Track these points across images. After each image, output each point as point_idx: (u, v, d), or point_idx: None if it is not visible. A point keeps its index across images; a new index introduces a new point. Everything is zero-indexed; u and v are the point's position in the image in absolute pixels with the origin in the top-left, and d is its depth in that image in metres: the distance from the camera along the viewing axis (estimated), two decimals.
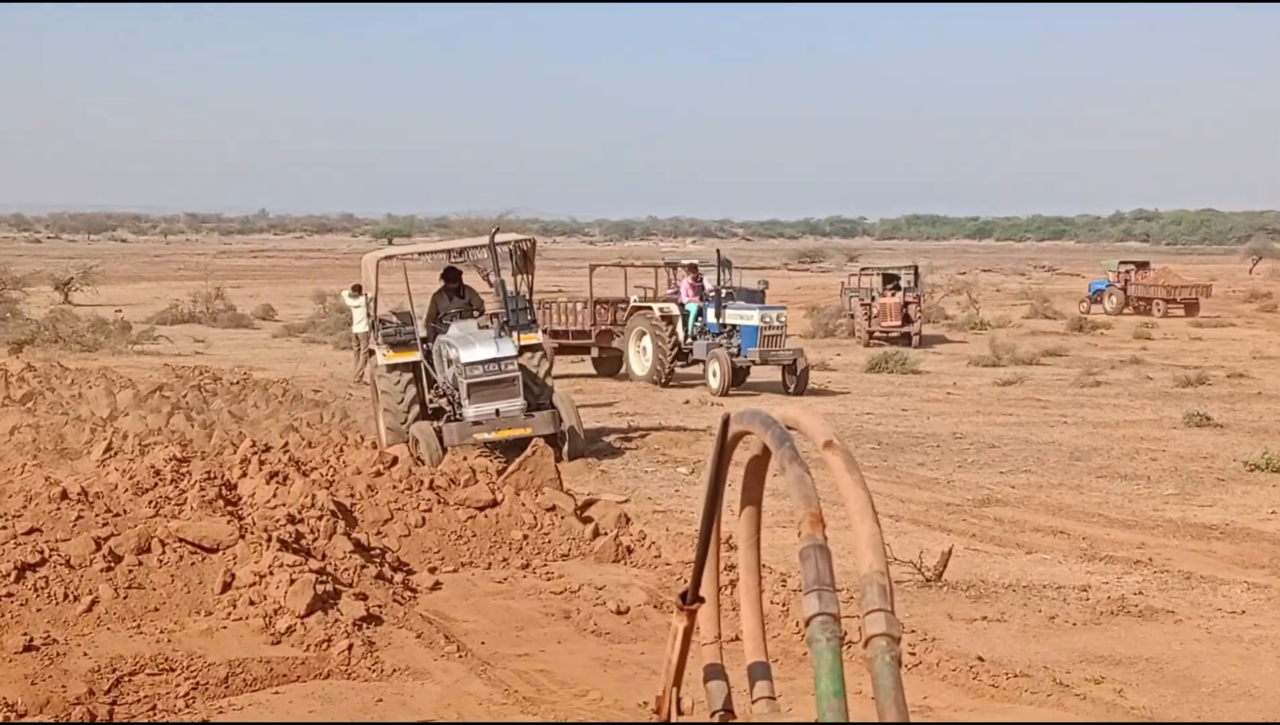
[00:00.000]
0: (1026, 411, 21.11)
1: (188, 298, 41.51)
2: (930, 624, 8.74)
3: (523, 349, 15.93)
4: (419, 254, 18.79)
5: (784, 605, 8.35)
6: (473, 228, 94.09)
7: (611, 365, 26.29)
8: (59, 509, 9.33)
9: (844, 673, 1.67)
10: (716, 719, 2.19)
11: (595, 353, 26.70)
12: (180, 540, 8.53)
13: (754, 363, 23.23)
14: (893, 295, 34.97)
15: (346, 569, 8.76)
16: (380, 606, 8.33)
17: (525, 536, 10.25)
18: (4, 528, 8.80)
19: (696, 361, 24.03)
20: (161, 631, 7.69)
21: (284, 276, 68.27)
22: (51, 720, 6.52)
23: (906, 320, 34.38)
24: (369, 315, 17.27)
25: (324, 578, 8.16)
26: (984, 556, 11.06)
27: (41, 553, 8.20)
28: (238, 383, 21.51)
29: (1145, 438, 18.08)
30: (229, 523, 8.82)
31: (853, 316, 36.23)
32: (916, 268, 37.74)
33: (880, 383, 25.30)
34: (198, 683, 7.08)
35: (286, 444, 13.17)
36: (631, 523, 10.83)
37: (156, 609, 8.03)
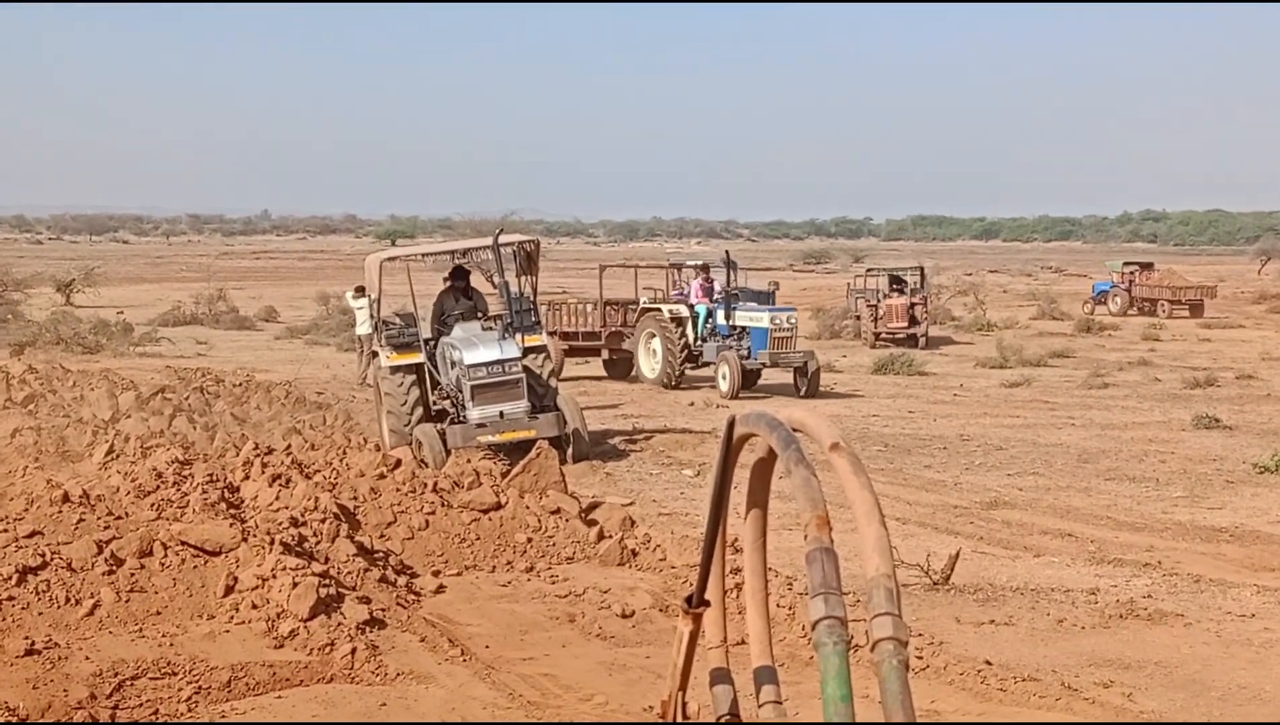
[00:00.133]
0: (1034, 413, 21.09)
1: (190, 299, 41.55)
2: (938, 627, 8.73)
3: (527, 351, 15.94)
4: (422, 255, 18.80)
5: (790, 609, 8.34)
6: (476, 228, 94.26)
7: (622, 367, 26.15)
8: (60, 512, 9.34)
9: (851, 677, 1.67)
10: (722, 723, 2.19)
11: (605, 355, 26.60)
12: (182, 543, 8.53)
13: (764, 365, 23.10)
14: (899, 296, 34.97)
15: (350, 572, 8.76)
16: (384, 610, 8.33)
17: (529, 539, 10.24)
18: (5, 531, 8.82)
19: (707, 363, 23.91)
20: (164, 635, 7.69)
21: (286, 278, 68.31)
22: (53, 724, 6.53)
23: (913, 321, 34.37)
24: (372, 317, 17.29)
25: (327, 581, 8.16)
26: (991, 559, 11.05)
27: (43, 556, 8.21)
28: (240, 385, 21.52)
29: (1154, 440, 18.06)
30: (231, 526, 8.83)
31: (859, 318, 36.23)
32: (923, 269, 37.73)
33: (886, 384, 25.29)
34: (200, 687, 7.08)
35: (289, 446, 13.18)
36: (636, 525, 10.83)
37: (159, 612, 8.04)
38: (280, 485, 10.69)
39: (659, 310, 24.70)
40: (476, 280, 17.47)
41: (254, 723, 6.73)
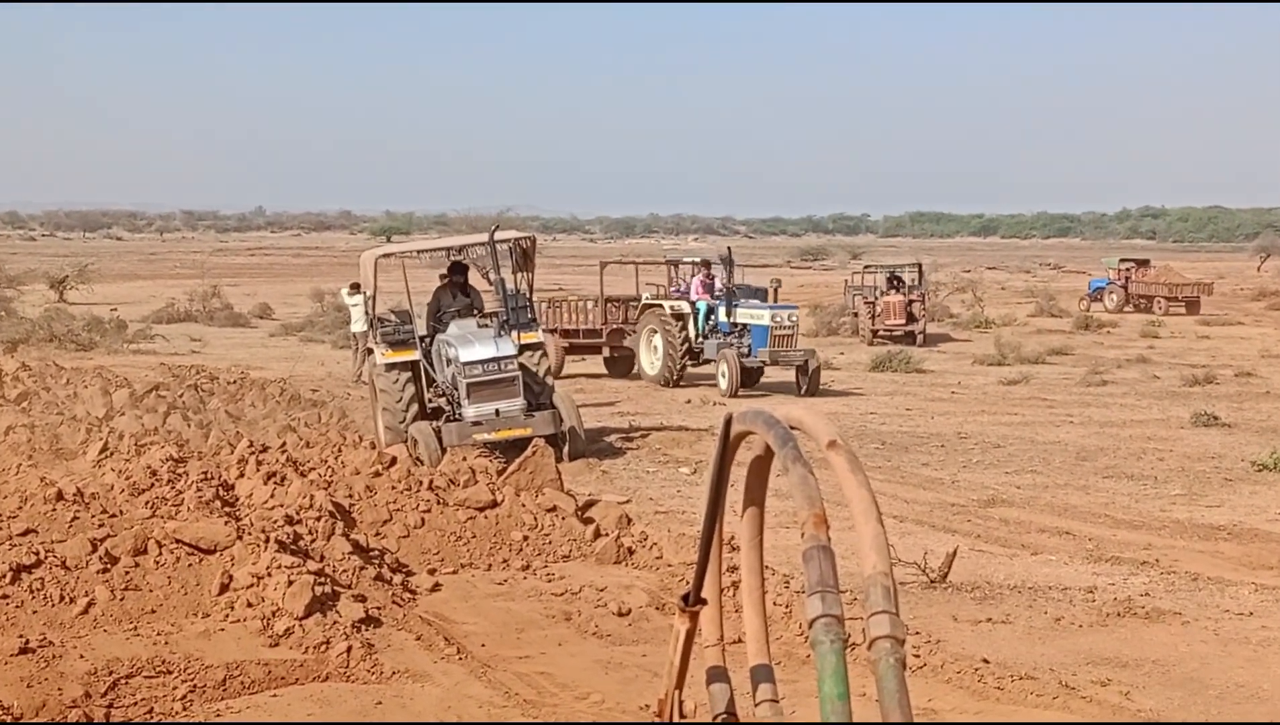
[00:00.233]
0: (1032, 411, 21.11)
1: (184, 296, 41.51)
2: (935, 626, 8.74)
3: (523, 348, 15.93)
4: (418, 252, 18.79)
5: (787, 607, 8.35)
6: (472, 225, 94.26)
7: (624, 365, 26.00)
8: (54, 510, 9.33)
9: (848, 675, 1.67)
10: (719, 722, 2.20)
11: (607, 352, 26.43)
12: (177, 541, 8.53)
13: (764, 363, 23.01)
14: (897, 293, 34.98)
15: (345, 570, 8.76)
16: (379, 608, 8.33)
17: (525, 538, 10.25)
18: None
19: (708, 361, 23.77)
20: (158, 634, 7.69)
21: (281, 275, 68.26)
22: (48, 723, 6.53)
23: (910, 319, 34.39)
24: (367, 314, 17.28)
25: (322, 579, 8.16)
26: (989, 557, 11.06)
27: (37, 554, 8.20)
28: (235, 382, 21.52)
29: (1152, 437, 18.08)
30: (226, 524, 8.83)
31: (856, 315, 36.24)
32: (920, 265, 37.74)
33: (884, 382, 25.30)
34: (195, 685, 7.09)
35: (284, 444, 13.18)
36: (633, 524, 10.83)
37: (153, 611, 8.04)
38: (275, 483, 10.69)
39: (660, 306, 24.55)
40: (473, 277, 17.47)
41: (249, 722, 6.74)
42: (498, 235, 16.49)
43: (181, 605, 8.12)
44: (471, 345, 15.50)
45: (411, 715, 6.80)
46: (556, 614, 8.69)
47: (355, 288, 23.69)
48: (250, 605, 7.93)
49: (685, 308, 24.25)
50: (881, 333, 34.38)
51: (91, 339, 29.87)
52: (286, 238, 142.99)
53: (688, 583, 2.23)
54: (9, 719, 6.43)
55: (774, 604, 8.26)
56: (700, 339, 24.07)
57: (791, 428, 1.90)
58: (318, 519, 9.42)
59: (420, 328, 16.46)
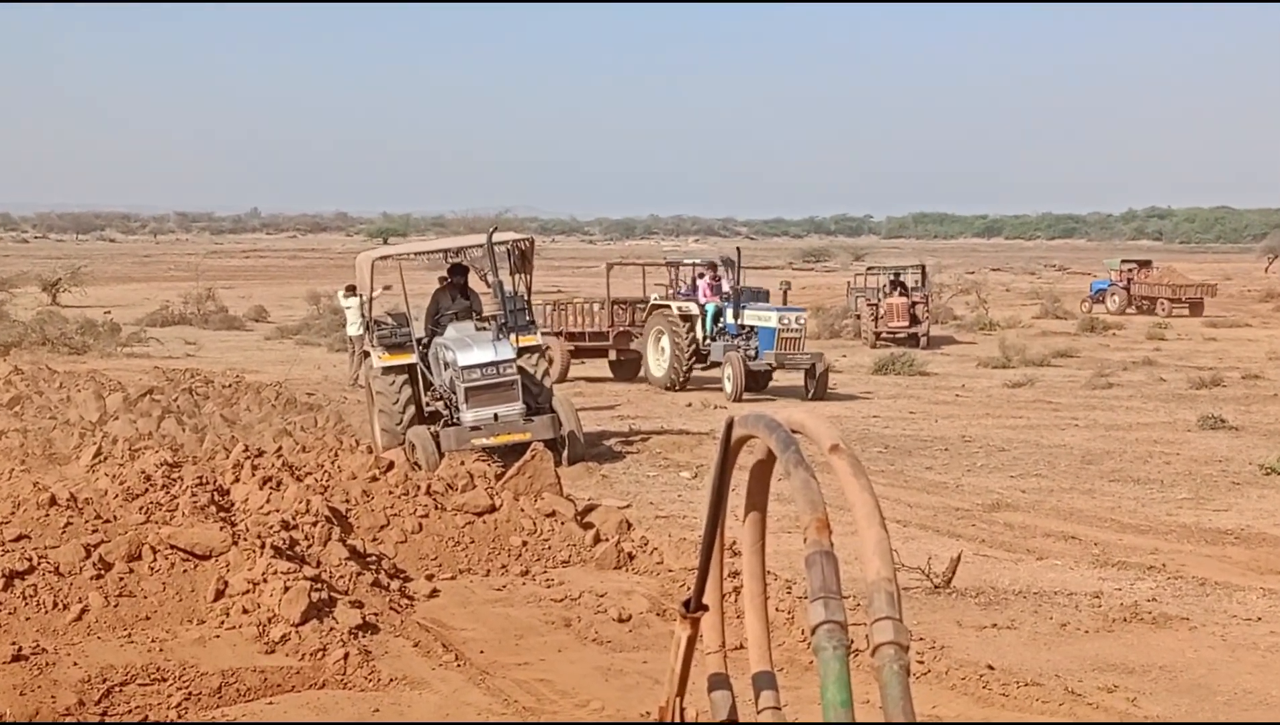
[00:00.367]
0: (1037, 414, 21.11)
1: (178, 299, 41.52)
2: (939, 632, 8.74)
3: (521, 351, 15.92)
4: (414, 254, 18.80)
5: (789, 613, 8.35)
6: (470, 226, 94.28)
7: (630, 368, 25.84)
8: (47, 515, 9.33)
9: (851, 681, 1.68)
10: None
11: (613, 355, 26.28)
12: (172, 547, 8.54)
13: (770, 366, 22.86)
14: (900, 295, 34.98)
15: (342, 576, 8.76)
16: (377, 615, 8.33)
17: (524, 543, 10.25)
18: None
19: (716, 364, 23.57)
20: (153, 640, 7.69)
21: (277, 277, 68.28)
22: None
23: (914, 321, 34.40)
24: (364, 316, 17.26)
25: (319, 585, 8.16)
26: (994, 562, 11.06)
27: (30, 560, 8.21)
28: (230, 386, 21.52)
29: (1159, 441, 18.08)
30: (221, 529, 8.83)
31: (859, 317, 36.26)
32: (924, 267, 37.77)
33: (887, 385, 25.31)
34: (190, 693, 7.08)
35: (280, 449, 13.19)
36: (633, 528, 10.83)
37: (148, 617, 8.04)
38: (271, 488, 10.69)
39: (668, 307, 24.37)
40: (473, 280, 17.45)
41: (248, 722, 6.74)
42: (496, 237, 16.49)
43: (176, 612, 8.12)
44: (470, 349, 15.49)
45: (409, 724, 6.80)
46: (556, 620, 8.69)
47: (351, 290, 23.69)
48: (246, 612, 7.93)
49: (693, 309, 24.06)
50: (884, 335, 34.38)
51: (85, 342, 29.87)
52: (282, 239, 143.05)
53: (689, 588, 2.23)
54: None
55: (776, 610, 8.25)
56: (707, 341, 23.88)
57: (793, 431, 1.91)
58: (314, 524, 9.42)
59: (418, 330, 16.46)
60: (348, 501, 10.52)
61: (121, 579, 8.25)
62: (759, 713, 2.10)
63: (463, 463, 12.32)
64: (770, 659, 2.13)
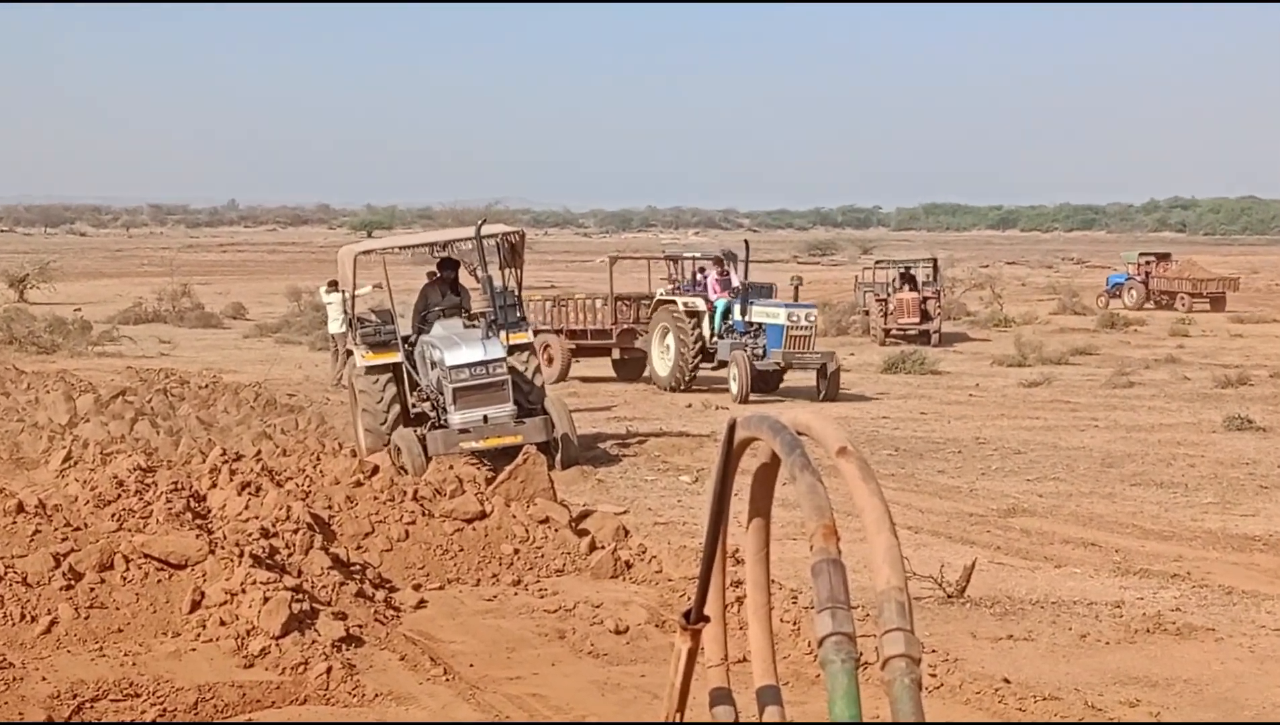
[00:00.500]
0: (1054, 414, 21.13)
1: (152, 295, 41.52)
2: (952, 643, 8.75)
3: (512, 349, 15.91)
4: (400, 248, 18.77)
5: (795, 624, 8.36)
6: (458, 219, 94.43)
7: (634, 368, 25.68)
8: (15, 523, 9.32)
9: (860, 696, 1.67)
10: None
11: (616, 354, 26.12)
12: (145, 556, 8.53)
13: (778, 365, 22.68)
14: (910, 290, 35.01)
15: (324, 586, 8.76)
16: (361, 627, 8.33)
17: (516, 551, 10.25)
18: None
19: (723, 363, 23.34)
20: (126, 654, 7.69)
21: (255, 272, 68.30)
22: None
23: (925, 317, 34.42)
24: (346, 313, 17.25)
25: (300, 596, 8.16)
26: (1010, 570, 11.07)
27: None
28: (206, 387, 21.52)
29: (1182, 442, 18.09)
30: (198, 537, 8.83)
31: (867, 313, 36.29)
32: (935, 260, 37.79)
33: (897, 384, 25.32)
34: (165, 709, 7.08)
35: (259, 452, 13.19)
36: (630, 535, 10.84)
37: (120, 630, 8.04)
38: (250, 494, 10.69)
39: (673, 302, 24.15)
40: (463, 276, 17.44)
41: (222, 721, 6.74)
42: (485, 230, 16.48)
43: (150, 624, 8.12)
44: (458, 347, 15.48)
45: None
46: (549, 632, 8.69)
47: (333, 286, 23.67)
48: (223, 624, 7.93)
49: (699, 305, 23.84)
50: (894, 332, 34.41)
51: (54, 341, 29.86)
52: (261, 233, 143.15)
53: (689, 598, 2.23)
54: None
55: (781, 621, 8.26)
56: (715, 339, 23.68)
57: (799, 433, 1.90)
58: (295, 532, 9.42)
59: (404, 328, 16.45)
60: (330, 508, 10.52)
61: (93, 589, 8.25)
62: None
63: (451, 467, 12.33)
64: (775, 673, 2.13)
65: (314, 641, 7.78)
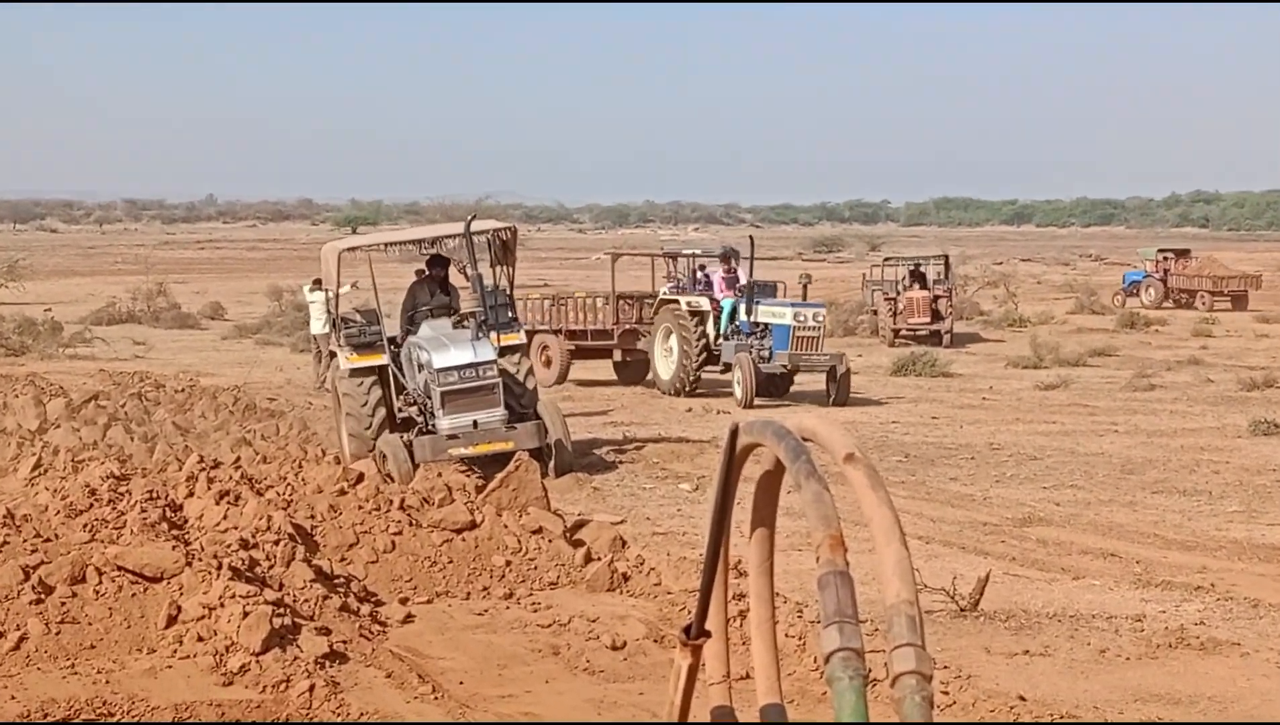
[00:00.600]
0: (1072, 419, 21.14)
1: (126, 295, 41.51)
2: (965, 659, 8.75)
3: (503, 351, 15.90)
4: (386, 245, 18.78)
5: (800, 639, 8.36)
6: (447, 214, 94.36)
7: (637, 370, 25.55)
8: None
9: (869, 714, 1.67)
10: None
11: (618, 356, 26.04)
12: (119, 568, 8.52)
13: (784, 368, 22.60)
14: (920, 288, 35.02)
15: (307, 600, 8.76)
16: (345, 642, 8.33)
17: (508, 562, 10.25)
18: None
19: (728, 366, 23.14)
20: (99, 672, 7.68)
21: (235, 270, 68.31)
22: None
23: (936, 317, 34.42)
24: (330, 313, 17.24)
25: (281, 610, 8.16)
26: (1025, 583, 11.07)
27: None
28: (183, 390, 21.53)
29: (1206, 448, 18.10)
30: (174, 549, 8.83)
31: (875, 313, 36.29)
32: (947, 257, 37.81)
33: (907, 387, 25.32)
34: None
35: (238, 459, 13.19)
36: (628, 546, 10.84)
37: (93, 646, 8.03)
38: (228, 503, 10.69)
39: (677, 302, 24.04)
40: (453, 274, 17.42)
41: None
42: (475, 225, 16.48)
43: (124, 640, 8.11)
44: (446, 349, 15.47)
45: None
46: (543, 648, 8.69)
47: (318, 284, 23.65)
48: (201, 639, 7.93)
49: (704, 305, 23.72)
50: (904, 332, 34.41)
51: (23, 343, 29.85)
52: (240, 229, 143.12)
53: (689, 612, 2.23)
54: None
55: (786, 636, 8.26)
56: (720, 340, 23.54)
57: (804, 439, 1.90)
58: (276, 543, 9.42)
59: (390, 328, 16.43)
60: (313, 517, 10.52)
61: (64, 604, 8.24)
62: None
63: (439, 474, 12.32)
64: (779, 690, 2.13)
65: (296, 658, 7.78)
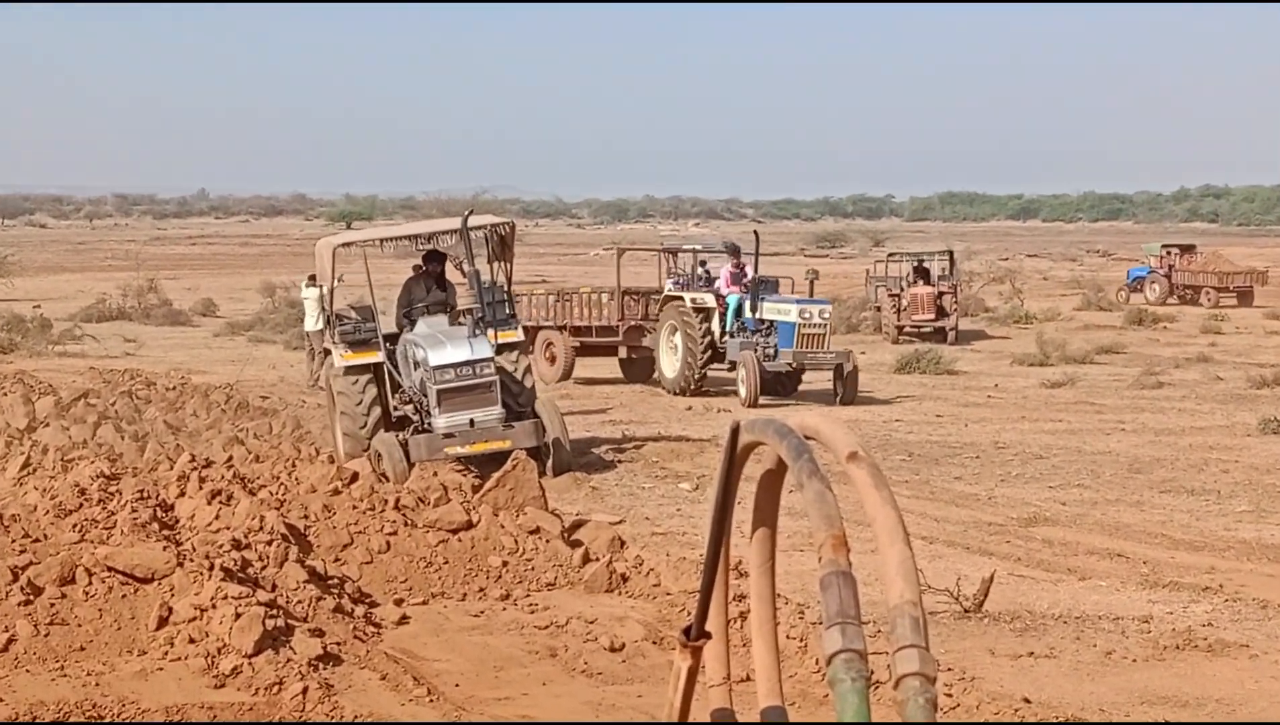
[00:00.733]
0: (1079, 417, 21.14)
1: (116, 291, 41.53)
2: (969, 661, 8.75)
3: (500, 348, 15.89)
4: (382, 240, 18.76)
5: (802, 640, 8.36)
6: (443, 209, 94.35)
7: (643, 368, 25.41)
8: None
9: (871, 717, 1.67)
10: None
11: (623, 353, 25.89)
12: (109, 569, 8.53)
13: (789, 366, 22.50)
14: (925, 285, 35.01)
15: (300, 601, 8.76)
16: (339, 644, 8.33)
17: (505, 563, 10.26)
18: None
19: (733, 364, 22.98)
20: (89, 674, 7.68)
21: (227, 266, 68.31)
22: None
23: (941, 313, 34.43)
24: (324, 309, 17.24)
25: (274, 611, 8.16)
26: (1031, 583, 11.07)
27: None
28: (174, 388, 21.52)
29: (1215, 447, 18.10)
30: (165, 549, 8.83)
31: (879, 309, 36.30)
32: (952, 253, 37.81)
33: (911, 385, 25.32)
34: None
35: (230, 458, 13.20)
36: (626, 546, 10.84)
37: (83, 648, 8.03)
38: (220, 503, 10.69)
39: (681, 299, 23.86)
40: (449, 270, 17.41)
41: None
42: (472, 221, 16.47)
43: (115, 641, 8.11)
44: (442, 346, 15.46)
45: None
46: (540, 649, 8.69)
47: (314, 280, 23.62)
48: (193, 641, 7.93)
49: (709, 301, 23.58)
50: (908, 329, 34.41)
51: (12, 340, 29.85)
52: (233, 224, 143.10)
53: (689, 614, 2.23)
54: None
55: (787, 637, 8.26)
56: (725, 338, 23.39)
57: (807, 438, 1.90)
58: (269, 543, 9.42)
59: (386, 325, 16.43)
60: (306, 517, 10.52)
61: (53, 605, 8.24)
62: None
63: (435, 474, 12.34)
64: (781, 692, 2.13)
65: (289, 660, 7.78)
